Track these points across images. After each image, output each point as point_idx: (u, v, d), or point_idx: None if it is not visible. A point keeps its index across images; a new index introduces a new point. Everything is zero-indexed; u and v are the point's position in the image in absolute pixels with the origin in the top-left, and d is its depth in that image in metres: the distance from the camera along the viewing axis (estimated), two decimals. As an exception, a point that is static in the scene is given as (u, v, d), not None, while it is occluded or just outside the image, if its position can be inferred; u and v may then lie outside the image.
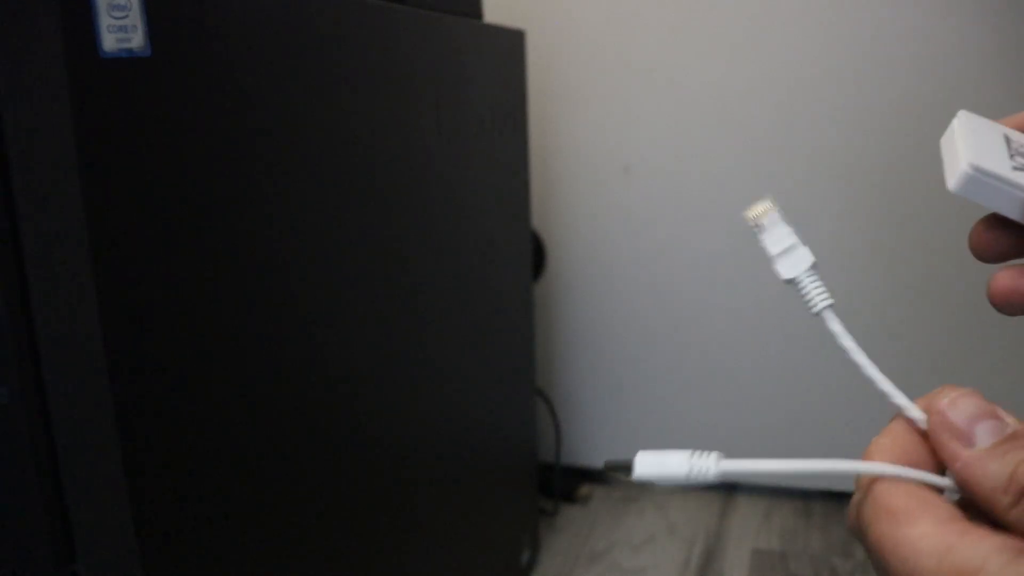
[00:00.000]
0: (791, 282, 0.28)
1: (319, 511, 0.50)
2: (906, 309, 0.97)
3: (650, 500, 1.09)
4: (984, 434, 0.22)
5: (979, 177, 0.27)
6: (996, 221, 0.29)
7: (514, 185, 0.82)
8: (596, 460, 1.13)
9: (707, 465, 0.26)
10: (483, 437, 0.77)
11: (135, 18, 0.34)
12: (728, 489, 1.10)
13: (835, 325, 0.27)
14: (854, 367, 0.26)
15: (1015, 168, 0.28)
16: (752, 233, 0.29)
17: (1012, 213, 0.28)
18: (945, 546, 0.20)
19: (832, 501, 1.05)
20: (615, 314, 1.07)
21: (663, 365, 1.07)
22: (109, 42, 0.34)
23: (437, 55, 0.63)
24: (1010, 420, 0.22)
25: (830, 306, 0.27)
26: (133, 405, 0.36)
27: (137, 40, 0.35)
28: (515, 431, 0.86)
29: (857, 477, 0.24)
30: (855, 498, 0.23)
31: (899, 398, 0.25)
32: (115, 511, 0.36)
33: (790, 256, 0.28)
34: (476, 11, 0.75)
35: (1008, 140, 0.29)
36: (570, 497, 1.08)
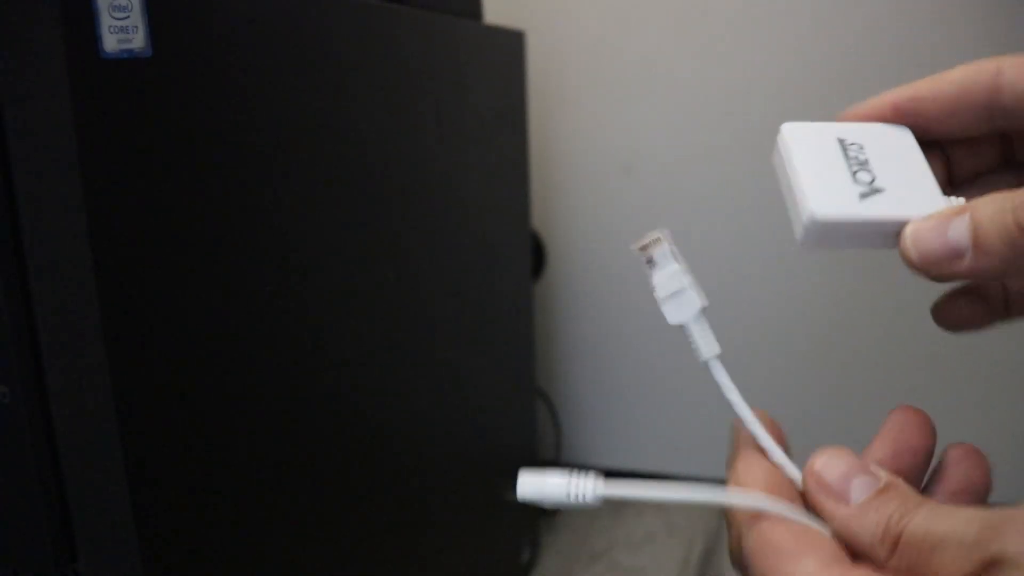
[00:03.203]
0: (679, 326, 0.26)
1: (319, 510, 0.50)
2: (903, 309, 0.97)
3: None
4: (858, 490, 0.23)
5: (827, 228, 0.24)
6: (960, 294, 0.29)
7: (514, 185, 0.82)
8: (596, 460, 1.13)
9: (586, 488, 0.25)
10: (483, 437, 0.77)
11: (136, 19, 0.34)
12: (728, 489, 1.10)
13: (721, 377, 0.26)
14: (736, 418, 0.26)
15: (863, 195, 0.25)
16: (642, 267, 0.27)
17: (876, 245, 0.25)
18: None
19: (832, 501, 1.05)
20: (615, 314, 1.07)
21: (663, 364, 1.07)
22: (110, 43, 0.34)
23: (437, 55, 0.63)
24: (882, 474, 0.23)
25: (717, 356, 0.26)
26: (134, 404, 0.36)
27: (138, 41, 0.35)
28: (515, 431, 0.86)
29: (732, 511, 0.24)
30: (735, 531, 0.24)
31: (778, 456, 0.25)
32: (116, 510, 0.36)
33: (678, 300, 0.26)
34: (476, 12, 0.75)
35: (844, 147, 0.26)
36: (570, 497, 1.08)
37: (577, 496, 0.25)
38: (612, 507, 1.07)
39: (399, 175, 0.58)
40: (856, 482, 0.23)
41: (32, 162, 0.33)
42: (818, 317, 1.00)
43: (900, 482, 0.23)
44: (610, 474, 1.07)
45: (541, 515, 1.02)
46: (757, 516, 0.23)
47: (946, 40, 0.89)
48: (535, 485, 0.26)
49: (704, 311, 0.26)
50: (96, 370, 0.35)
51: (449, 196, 0.66)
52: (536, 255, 1.05)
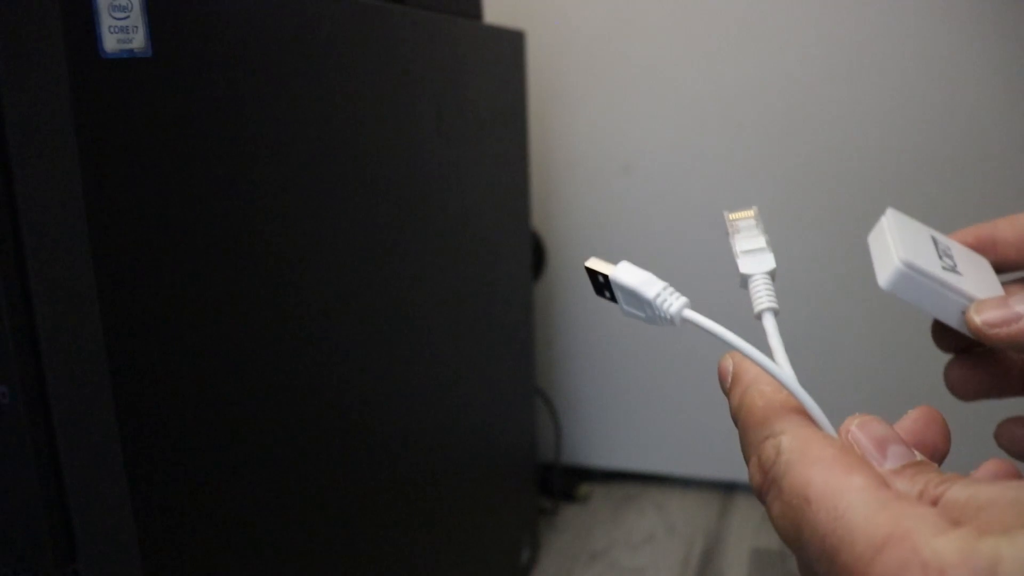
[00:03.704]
0: (746, 280, 0.28)
1: (319, 510, 0.50)
2: (902, 310, 0.97)
3: (650, 500, 1.09)
4: (894, 457, 0.23)
5: (912, 275, 0.27)
6: (969, 360, 0.31)
7: (514, 185, 0.82)
8: (596, 460, 1.13)
9: (672, 303, 0.26)
10: (483, 437, 0.77)
11: (136, 19, 0.35)
12: (727, 489, 1.10)
13: (770, 326, 0.27)
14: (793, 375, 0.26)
15: (945, 269, 0.28)
16: (726, 233, 0.29)
17: (947, 318, 0.28)
18: (879, 502, 0.20)
19: (831, 501, 1.05)
20: (615, 314, 1.07)
21: (663, 364, 1.07)
22: (110, 43, 0.34)
23: (437, 55, 0.63)
24: (917, 453, 0.23)
25: (772, 310, 0.27)
26: (134, 404, 0.36)
27: (138, 41, 0.35)
28: (515, 431, 0.86)
29: (759, 422, 0.24)
30: (768, 446, 0.23)
31: (815, 410, 0.25)
32: (116, 511, 0.36)
33: (755, 256, 0.29)
34: (476, 11, 0.75)
35: (935, 241, 0.30)
36: (570, 496, 1.08)
37: (664, 302, 0.26)
38: (612, 507, 1.07)
39: (399, 175, 0.58)
40: (893, 448, 0.23)
41: (32, 162, 0.33)
42: (818, 317, 1.01)
43: (935, 465, 0.23)
44: (610, 474, 1.07)
45: (541, 514, 1.02)
46: (803, 429, 0.23)
47: (947, 41, 0.89)
48: (634, 273, 0.27)
49: (773, 273, 0.28)
50: (96, 370, 0.35)
51: (449, 196, 0.66)
52: (536, 255, 1.05)
